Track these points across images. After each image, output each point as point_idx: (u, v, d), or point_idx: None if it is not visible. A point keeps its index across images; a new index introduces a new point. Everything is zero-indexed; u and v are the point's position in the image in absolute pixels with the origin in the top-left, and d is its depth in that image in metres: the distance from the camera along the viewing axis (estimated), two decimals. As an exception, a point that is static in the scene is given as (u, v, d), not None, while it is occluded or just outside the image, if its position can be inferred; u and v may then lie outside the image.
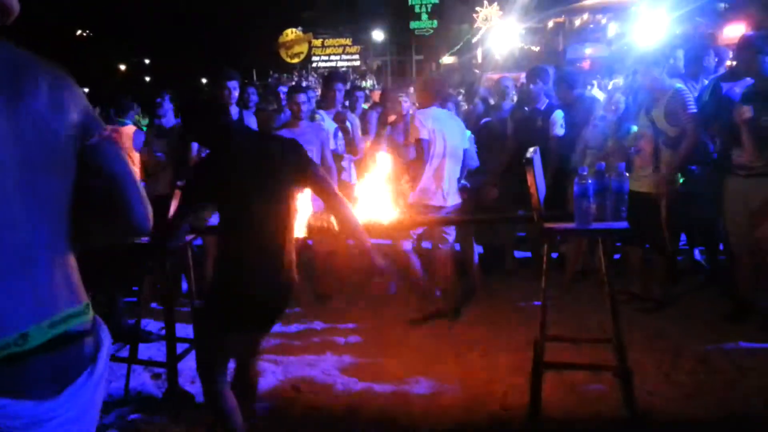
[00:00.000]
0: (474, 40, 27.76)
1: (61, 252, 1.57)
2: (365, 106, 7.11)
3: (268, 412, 3.69)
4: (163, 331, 4.11)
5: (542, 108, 5.84)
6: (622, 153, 5.07)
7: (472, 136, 5.53)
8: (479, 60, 27.05)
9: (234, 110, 5.88)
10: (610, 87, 8.55)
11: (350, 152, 5.88)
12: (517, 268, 6.20)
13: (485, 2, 27.54)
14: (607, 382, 3.67)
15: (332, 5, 30.23)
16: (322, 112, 5.84)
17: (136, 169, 5.74)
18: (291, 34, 26.50)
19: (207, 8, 30.37)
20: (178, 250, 3.87)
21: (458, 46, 29.15)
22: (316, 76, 24.93)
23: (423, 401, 3.78)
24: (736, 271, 4.82)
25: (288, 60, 26.52)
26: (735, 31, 11.60)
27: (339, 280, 5.78)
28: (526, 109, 6.05)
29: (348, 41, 30.14)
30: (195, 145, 5.35)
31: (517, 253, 6.42)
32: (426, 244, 5.64)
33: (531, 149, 3.31)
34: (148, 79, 36.97)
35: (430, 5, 29.59)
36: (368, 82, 24.95)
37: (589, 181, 3.24)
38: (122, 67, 37.60)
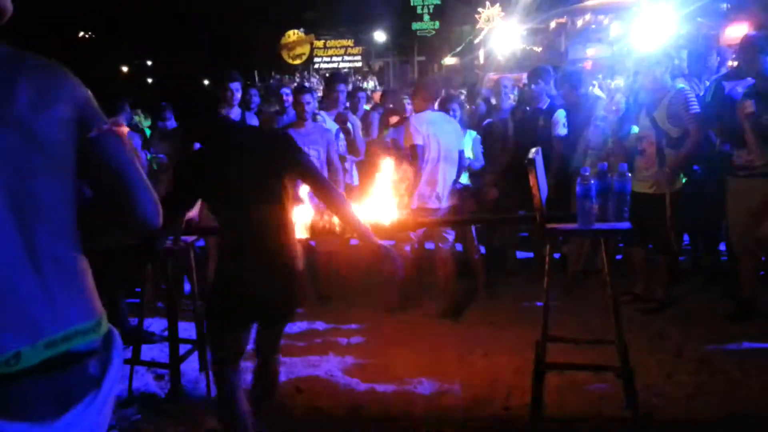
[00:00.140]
0: (476, 41, 27.70)
1: (69, 260, 1.49)
2: (367, 107, 7.11)
3: (270, 412, 3.69)
4: (166, 332, 4.12)
5: (544, 108, 5.85)
6: (623, 153, 5.07)
7: (478, 136, 5.53)
8: (481, 61, 27.01)
9: (236, 111, 5.89)
10: (612, 87, 8.55)
11: (352, 153, 5.88)
12: (518, 269, 6.20)
13: (487, 3, 27.49)
14: (609, 382, 3.67)
15: (334, 6, 30.20)
16: (323, 113, 5.84)
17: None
18: (293, 35, 26.49)
19: (208, 10, 30.37)
20: (180, 251, 3.87)
21: (460, 47, 29.09)
22: (318, 77, 24.93)
23: (425, 401, 3.78)
24: (738, 271, 4.82)
25: (290, 61, 26.51)
26: (737, 31, 11.59)
27: (341, 281, 5.79)
28: (528, 109, 6.05)
29: (350, 42, 30.10)
30: (197, 146, 5.35)
31: (519, 254, 6.41)
32: (429, 245, 5.65)
33: (533, 149, 3.30)
34: (150, 80, 37.00)
35: (432, 6, 29.54)
36: (370, 83, 24.93)
37: (592, 182, 3.24)
38: (124, 69, 37.62)
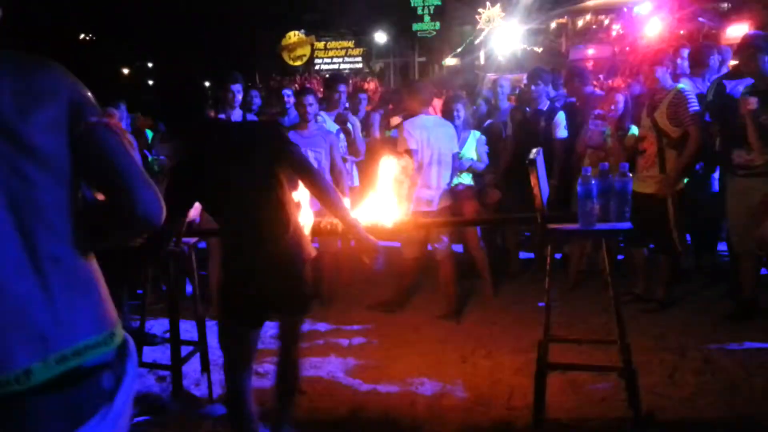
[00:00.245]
0: (477, 41, 27.70)
1: (74, 267, 1.44)
2: (368, 108, 7.10)
3: (272, 414, 3.69)
4: (168, 334, 4.12)
5: (544, 109, 5.85)
6: (623, 152, 5.08)
7: (483, 137, 5.52)
8: (482, 61, 27.03)
9: (237, 113, 5.89)
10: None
11: (352, 154, 5.88)
12: (520, 270, 6.20)
13: (488, 3, 27.48)
14: (612, 382, 3.67)
15: (335, 8, 30.20)
16: (323, 113, 5.84)
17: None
18: (293, 36, 26.48)
19: (209, 11, 30.39)
20: (182, 253, 3.88)
21: (461, 48, 29.09)
22: (319, 78, 24.97)
23: (427, 402, 3.78)
24: (739, 271, 4.82)
25: (290, 63, 26.50)
26: (737, 31, 11.58)
27: (343, 282, 5.79)
28: (528, 110, 6.05)
29: (350, 44, 30.08)
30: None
31: (521, 254, 6.41)
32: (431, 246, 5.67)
33: (534, 150, 3.31)
34: (151, 82, 37.03)
35: (433, 7, 29.52)
36: (371, 84, 24.94)
37: (593, 182, 3.24)
38: (125, 71, 37.64)
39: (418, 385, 3.97)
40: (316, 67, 28.36)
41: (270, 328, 3.20)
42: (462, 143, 5.40)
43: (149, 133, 7.04)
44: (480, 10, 27.70)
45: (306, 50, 26.41)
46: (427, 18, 29.68)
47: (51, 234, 1.40)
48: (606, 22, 22.31)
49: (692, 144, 4.74)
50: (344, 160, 5.77)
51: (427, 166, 5.09)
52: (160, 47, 33.85)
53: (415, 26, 29.92)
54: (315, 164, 5.19)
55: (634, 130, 5.21)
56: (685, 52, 5.48)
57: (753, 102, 4.30)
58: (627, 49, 14.90)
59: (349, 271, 5.74)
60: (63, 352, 1.36)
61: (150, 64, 39.43)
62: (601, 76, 10.55)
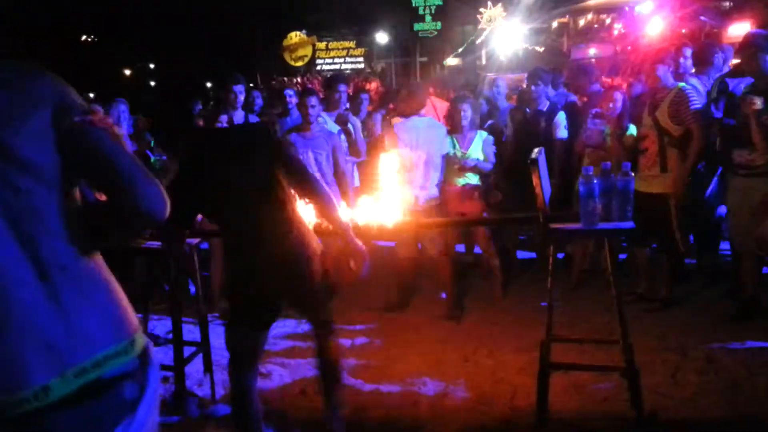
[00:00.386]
0: (478, 41, 27.70)
1: (87, 275, 1.40)
2: (369, 108, 7.10)
3: (275, 414, 3.70)
4: (170, 335, 4.12)
5: (544, 109, 5.86)
6: (622, 151, 5.07)
7: (490, 137, 5.52)
8: (483, 61, 27.03)
9: (239, 114, 5.90)
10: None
11: (353, 154, 5.87)
12: (519, 269, 6.20)
13: (489, 3, 27.49)
14: (614, 382, 3.67)
15: (336, 8, 30.22)
16: (324, 114, 5.84)
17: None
18: (295, 37, 26.50)
19: (210, 12, 30.42)
20: (184, 254, 3.88)
21: (462, 48, 29.09)
22: (320, 79, 25.00)
23: (430, 402, 3.78)
24: (740, 270, 4.81)
25: (292, 63, 26.52)
26: (739, 29, 11.56)
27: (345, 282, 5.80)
28: (528, 110, 6.05)
29: (352, 44, 30.11)
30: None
31: (522, 254, 6.41)
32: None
33: (536, 150, 3.31)
34: (152, 83, 37.09)
35: (434, 7, 29.53)
36: (372, 85, 24.95)
37: (595, 181, 3.24)
38: (127, 72, 37.71)
39: (420, 385, 3.97)
40: (318, 68, 28.37)
41: (274, 328, 3.21)
42: (468, 143, 5.40)
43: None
44: (481, 9, 27.71)
45: (307, 51, 26.42)
46: (428, 18, 29.68)
47: (54, 243, 1.37)
48: (608, 21, 22.30)
49: (696, 142, 4.73)
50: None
51: (415, 167, 5.18)
52: (162, 48, 33.88)
53: (417, 26, 29.92)
54: (317, 166, 5.22)
55: (633, 129, 5.20)
56: (688, 51, 5.48)
57: (758, 102, 4.29)
58: (629, 48, 14.90)
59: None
60: (82, 365, 1.33)
61: (151, 65, 39.47)
62: (602, 77, 10.55)
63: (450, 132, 5.50)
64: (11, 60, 1.42)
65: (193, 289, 4.80)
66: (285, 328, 4.89)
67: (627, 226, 3.27)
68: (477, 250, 6.05)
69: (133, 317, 1.48)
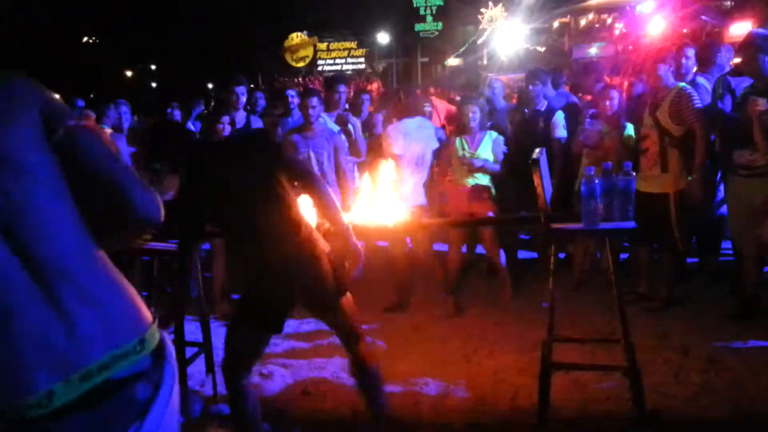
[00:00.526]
0: (479, 41, 27.69)
1: (89, 276, 1.36)
2: (370, 109, 7.10)
3: (276, 415, 3.70)
4: (172, 335, 4.13)
5: (542, 109, 5.87)
6: (621, 150, 5.07)
7: (500, 137, 5.52)
8: (485, 61, 27.04)
9: (241, 115, 5.90)
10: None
11: (353, 154, 5.87)
12: (519, 269, 6.20)
13: (490, 3, 27.48)
14: (616, 381, 3.67)
15: (337, 9, 30.23)
16: (324, 114, 5.85)
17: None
18: (296, 38, 26.55)
19: (211, 13, 30.45)
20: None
21: (463, 48, 29.08)
22: (321, 79, 25.00)
23: (431, 402, 3.78)
24: (742, 270, 4.81)
25: (293, 64, 26.56)
26: (741, 28, 11.56)
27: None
28: (526, 111, 6.05)
29: (353, 44, 30.13)
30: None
31: (524, 254, 6.42)
32: (436, 246, 5.68)
33: (536, 150, 3.31)
34: (154, 84, 37.11)
35: (435, 7, 29.53)
36: (373, 85, 24.97)
37: (596, 181, 3.24)
38: (128, 73, 37.74)
39: (421, 385, 3.97)
40: (319, 68, 28.39)
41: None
42: (477, 144, 5.40)
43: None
44: (482, 9, 27.70)
45: (309, 51, 26.47)
46: (429, 18, 29.69)
47: (51, 246, 1.34)
48: (609, 20, 22.31)
49: (700, 141, 4.73)
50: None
51: (406, 167, 5.32)
52: (163, 49, 33.91)
53: (418, 26, 29.93)
54: (318, 165, 5.23)
55: (630, 128, 5.19)
56: (690, 51, 5.48)
57: (762, 103, 4.29)
58: (630, 47, 14.90)
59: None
60: (87, 368, 1.29)
61: (153, 67, 39.50)
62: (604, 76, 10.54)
63: (459, 133, 5.52)
64: None
65: (194, 290, 4.80)
66: (286, 329, 4.86)
67: (628, 226, 3.27)
68: (478, 250, 6.05)
69: (144, 313, 1.44)
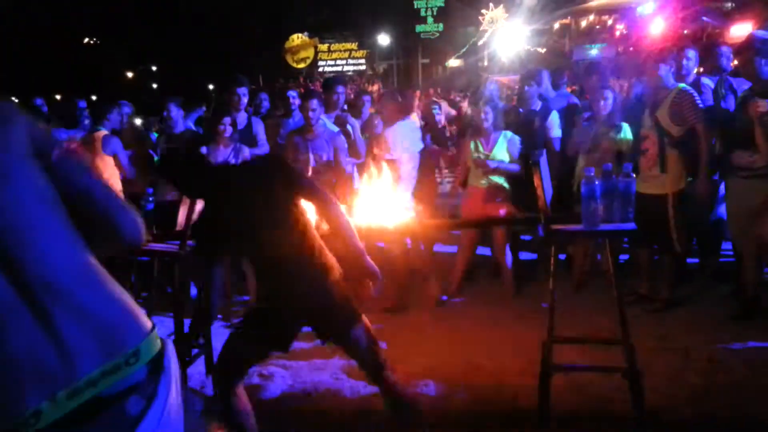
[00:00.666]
0: (480, 42, 27.75)
1: (80, 290, 1.34)
2: (371, 110, 7.11)
3: (277, 416, 3.70)
4: (172, 337, 4.14)
5: (537, 109, 5.88)
6: (614, 152, 5.07)
7: (515, 137, 5.50)
8: (485, 62, 27.07)
9: (243, 116, 5.90)
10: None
11: (352, 155, 5.87)
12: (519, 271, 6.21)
13: (491, 4, 27.53)
14: (616, 382, 3.66)
15: (338, 10, 30.29)
16: (322, 115, 5.85)
17: (116, 179, 5.76)
18: (297, 39, 26.62)
19: (212, 14, 30.49)
20: (187, 256, 3.89)
21: (464, 49, 29.14)
22: (322, 80, 25.04)
23: (431, 403, 3.77)
24: (742, 271, 4.82)
25: (294, 65, 26.62)
26: (741, 30, 11.57)
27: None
28: (521, 111, 6.06)
29: (354, 45, 30.18)
30: (203, 149, 5.38)
31: (523, 255, 6.41)
32: (437, 247, 5.67)
33: (536, 152, 3.32)
34: (155, 86, 37.14)
35: (436, 8, 29.61)
36: (374, 86, 24.99)
37: (596, 182, 3.24)
38: (129, 74, 37.78)
39: (422, 386, 3.97)
40: (320, 69, 28.42)
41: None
42: (492, 144, 5.40)
43: (154, 135, 7.06)
44: (483, 11, 27.76)
45: (309, 52, 26.51)
46: (430, 20, 29.75)
47: (44, 263, 1.32)
48: (609, 22, 22.34)
49: (703, 142, 4.73)
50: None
51: (403, 169, 5.45)
52: (163, 50, 33.94)
53: (419, 28, 29.99)
54: (318, 165, 5.24)
55: (626, 127, 5.19)
56: (690, 52, 5.49)
57: (763, 104, 4.29)
58: (630, 49, 14.91)
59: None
60: (74, 385, 1.26)
61: (153, 68, 39.53)
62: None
63: (473, 135, 5.53)
64: None
65: (194, 291, 4.81)
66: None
67: (628, 227, 3.27)
68: (478, 251, 6.04)
69: (141, 322, 1.41)
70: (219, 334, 4.21)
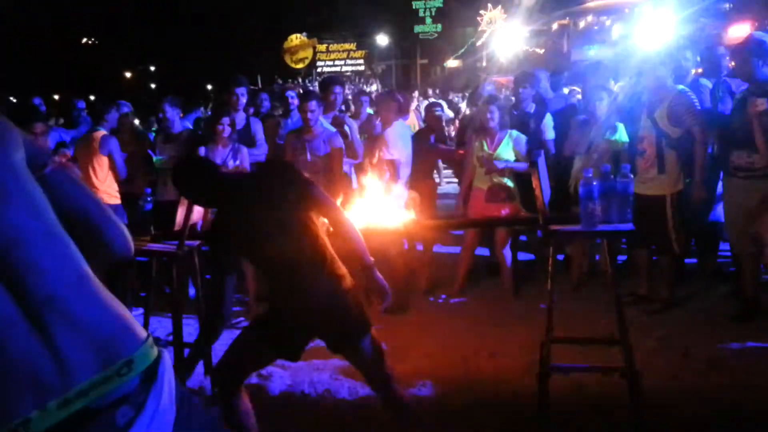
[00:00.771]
0: (478, 43, 27.76)
1: (76, 301, 1.33)
2: (370, 110, 7.11)
3: (276, 416, 3.70)
4: (171, 337, 4.14)
5: (531, 112, 5.89)
6: (609, 152, 5.07)
7: (521, 136, 5.49)
8: (484, 63, 27.08)
9: (241, 116, 5.90)
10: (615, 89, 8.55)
11: (350, 156, 5.87)
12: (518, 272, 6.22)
13: (489, 5, 27.53)
14: (615, 382, 3.66)
15: (336, 10, 30.31)
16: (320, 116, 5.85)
17: (112, 180, 5.77)
18: (295, 39, 26.60)
19: (211, 14, 30.50)
20: (184, 256, 3.89)
21: (463, 50, 29.15)
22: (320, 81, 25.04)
23: (431, 403, 3.78)
24: (741, 272, 4.82)
25: (292, 65, 26.61)
26: (739, 31, 11.59)
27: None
28: (515, 113, 6.06)
29: (352, 46, 30.17)
30: (203, 149, 5.38)
31: (522, 255, 6.42)
32: (437, 248, 5.68)
33: (535, 152, 3.32)
34: (153, 86, 37.15)
35: (434, 9, 29.63)
36: (373, 87, 25.00)
37: (594, 183, 3.24)
38: (128, 74, 37.77)
39: (420, 387, 3.97)
40: (318, 70, 28.42)
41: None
42: (497, 144, 5.40)
43: (152, 135, 7.07)
44: (481, 11, 27.77)
45: (308, 53, 26.50)
46: (428, 20, 29.76)
47: (41, 274, 1.31)
48: (608, 23, 22.35)
49: (699, 145, 4.73)
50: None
51: (401, 169, 5.48)
52: (162, 50, 33.94)
53: (417, 28, 30.01)
54: (315, 167, 5.24)
55: (621, 128, 5.19)
56: (688, 53, 5.49)
57: (762, 103, 4.29)
58: (628, 50, 14.91)
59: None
60: (64, 396, 1.25)
61: (152, 68, 39.52)
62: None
63: (479, 135, 5.52)
64: None
65: (193, 290, 4.81)
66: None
67: (626, 228, 3.27)
68: (478, 251, 6.05)
69: (135, 332, 1.41)
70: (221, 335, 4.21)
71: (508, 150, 5.37)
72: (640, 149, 5.00)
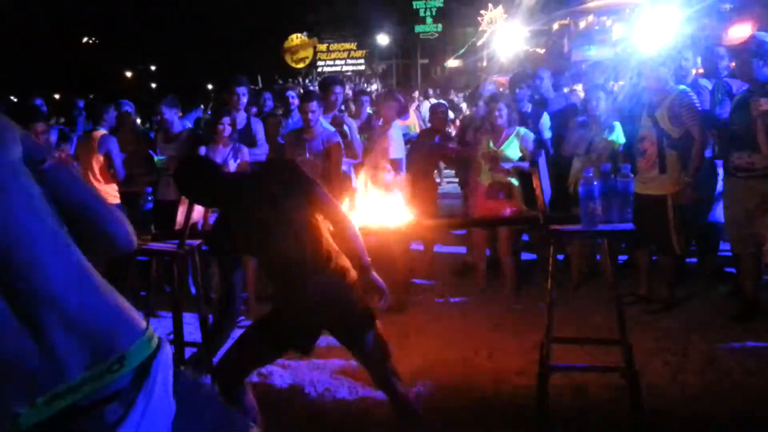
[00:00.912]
0: (479, 43, 27.73)
1: (72, 297, 1.32)
2: (370, 110, 7.11)
3: (276, 415, 3.70)
4: (171, 336, 4.13)
5: (528, 112, 5.90)
6: (608, 152, 5.07)
7: (529, 134, 5.48)
8: (485, 63, 27.06)
9: (242, 116, 5.90)
10: (615, 89, 8.56)
11: (349, 156, 5.86)
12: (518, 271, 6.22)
13: (490, 5, 27.50)
14: (615, 382, 3.67)
15: (337, 10, 30.28)
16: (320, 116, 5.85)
17: (112, 186, 5.77)
18: (296, 39, 26.54)
19: (211, 14, 30.50)
20: (185, 255, 3.89)
21: (463, 50, 29.13)
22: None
23: (431, 403, 3.78)
24: (741, 271, 4.82)
25: (293, 65, 26.55)
26: (740, 31, 11.57)
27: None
28: None
29: (353, 45, 30.13)
30: (203, 149, 5.38)
31: (523, 255, 6.42)
32: (437, 247, 5.68)
33: (535, 152, 3.33)
34: (154, 85, 37.16)
35: (435, 9, 29.58)
36: (374, 86, 24.99)
37: (595, 183, 3.25)
38: (128, 74, 37.78)
39: (420, 386, 3.97)
40: (319, 69, 28.39)
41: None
42: (503, 140, 5.39)
43: (153, 134, 7.07)
44: (482, 11, 27.73)
45: (308, 52, 26.46)
46: (429, 20, 29.73)
47: (38, 271, 1.31)
48: (608, 23, 22.32)
49: (698, 145, 4.73)
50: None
51: (400, 169, 5.58)
52: (163, 50, 33.95)
53: (418, 28, 29.97)
54: (315, 167, 5.24)
55: (618, 128, 5.18)
56: (689, 53, 5.49)
57: (765, 102, 4.29)
58: (629, 50, 14.90)
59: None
60: (53, 391, 1.25)
61: (152, 68, 39.52)
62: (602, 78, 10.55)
63: (486, 133, 5.53)
64: None
65: (194, 289, 4.81)
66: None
67: (627, 228, 3.28)
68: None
69: (133, 325, 1.40)
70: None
71: (512, 147, 5.36)
72: (640, 149, 5.00)
